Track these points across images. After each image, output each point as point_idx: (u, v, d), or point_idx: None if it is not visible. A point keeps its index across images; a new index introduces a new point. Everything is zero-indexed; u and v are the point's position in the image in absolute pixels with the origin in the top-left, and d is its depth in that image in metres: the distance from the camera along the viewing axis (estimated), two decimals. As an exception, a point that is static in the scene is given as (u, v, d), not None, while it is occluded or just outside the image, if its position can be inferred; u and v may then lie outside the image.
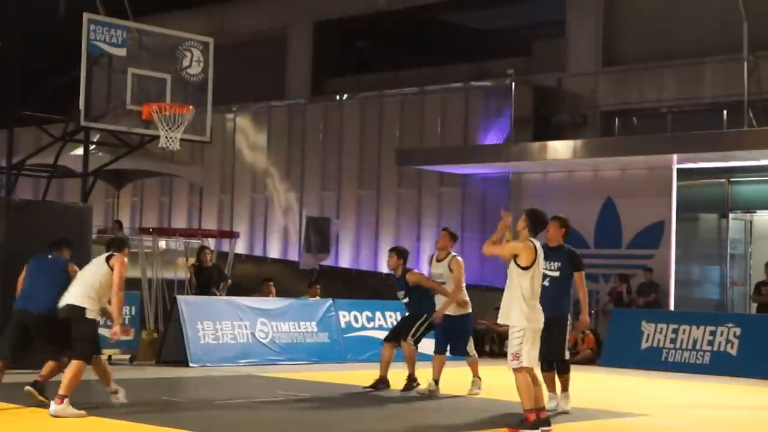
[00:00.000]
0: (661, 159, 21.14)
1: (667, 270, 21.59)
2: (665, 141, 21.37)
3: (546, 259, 10.80)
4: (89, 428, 10.08)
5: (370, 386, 13.44)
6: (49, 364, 11.18)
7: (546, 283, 11.08)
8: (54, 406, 10.36)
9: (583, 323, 12.42)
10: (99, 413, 10.66)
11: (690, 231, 22.57)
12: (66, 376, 10.54)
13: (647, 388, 15.50)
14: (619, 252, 22.10)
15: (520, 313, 9.98)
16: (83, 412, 10.42)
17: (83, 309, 10.75)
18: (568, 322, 11.84)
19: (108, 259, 10.95)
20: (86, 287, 10.86)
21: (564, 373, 11.90)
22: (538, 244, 10.22)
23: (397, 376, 13.35)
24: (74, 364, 10.60)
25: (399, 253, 13.64)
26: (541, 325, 10.16)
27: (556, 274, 11.60)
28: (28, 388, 10.92)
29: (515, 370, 10.00)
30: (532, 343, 10.04)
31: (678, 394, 15.01)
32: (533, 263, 10.02)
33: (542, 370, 11.48)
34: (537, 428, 9.99)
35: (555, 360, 11.71)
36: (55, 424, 10.16)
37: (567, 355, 11.96)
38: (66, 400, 10.38)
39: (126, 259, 11.10)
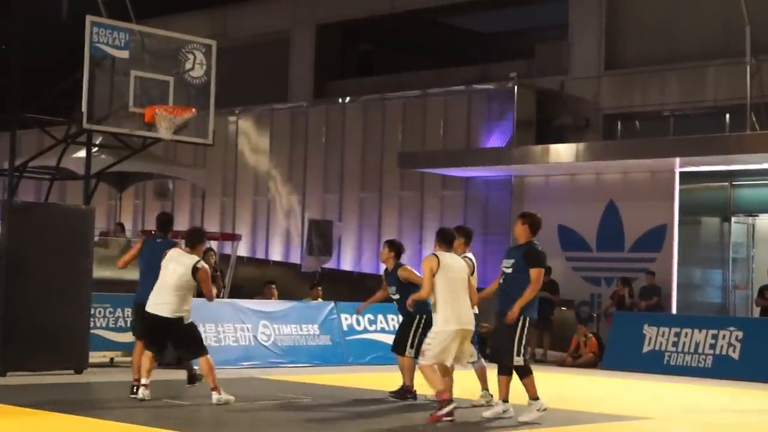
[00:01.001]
0: (664, 162, 21.14)
1: (670, 273, 21.60)
2: (668, 144, 21.38)
3: (507, 257, 11.29)
4: (91, 429, 10.09)
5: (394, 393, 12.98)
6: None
7: (501, 281, 11.29)
8: (216, 396, 11.60)
9: (509, 317, 10.98)
10: (100, 414, 10.67)
11: (692, 234, 22.56)
12: (208, 374, 11.71)
13: (649, 391, 15.49)
14: (622, 255, 22.11)
15: (438, 315, 10.98)
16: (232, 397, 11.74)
17: (180, 318, 11.63)
18: (520, 324, 11.00)
19: (195, 271, 11.57)
20: (175, 294, 11.60)
21: (523, 377, 11.16)
22: (441, 254, 11.16)
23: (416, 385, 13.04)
24: (205, 360, 11.69)
25: (391, 245, 13.18)
26: (467, 327, 11.00)
27: (509, 271, 11.19)
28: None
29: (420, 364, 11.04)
30: (441, 344, 10.88)
31: (680, 397, 15.00)
32: (438, 269, 10.97)
33: (498, 373, 11.25)
34: (453, 401, 10.66)
35: (502, 363, 11.11)
36: (57, 424, 10.17)
37: (519, 360, 11.03)
38: (221, 390, 11.65)
39: (206, 266, 11.83)
